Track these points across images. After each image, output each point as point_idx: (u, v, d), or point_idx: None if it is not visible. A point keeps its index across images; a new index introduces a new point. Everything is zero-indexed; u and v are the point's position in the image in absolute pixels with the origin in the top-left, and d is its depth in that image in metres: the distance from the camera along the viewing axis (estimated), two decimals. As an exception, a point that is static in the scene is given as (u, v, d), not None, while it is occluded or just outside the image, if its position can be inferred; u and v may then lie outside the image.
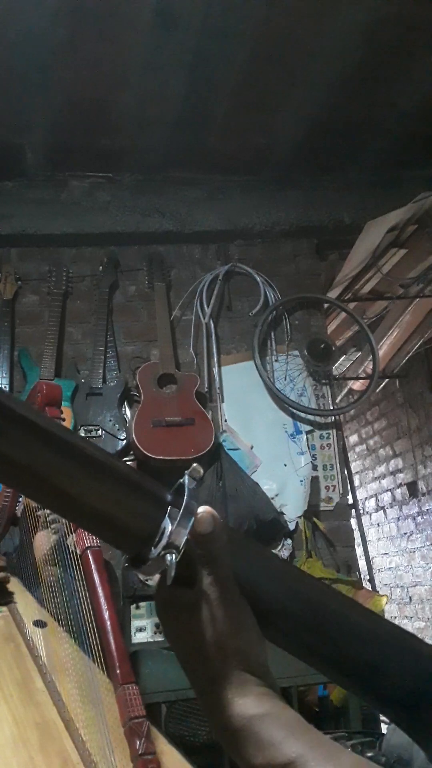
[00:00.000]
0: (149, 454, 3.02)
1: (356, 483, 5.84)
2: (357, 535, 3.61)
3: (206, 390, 3.39)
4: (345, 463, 3.65)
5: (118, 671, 1.10)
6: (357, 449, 6.23)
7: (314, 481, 3.36)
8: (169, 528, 0.48)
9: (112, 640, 1.14)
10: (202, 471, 0.51)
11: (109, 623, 1.16)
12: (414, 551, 5.34)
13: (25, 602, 1.72)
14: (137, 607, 3.02)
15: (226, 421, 3.36)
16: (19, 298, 3.45)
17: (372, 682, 0.51)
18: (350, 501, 3.59)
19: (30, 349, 3.35)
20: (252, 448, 3.34)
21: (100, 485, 0.48)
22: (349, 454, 4.78)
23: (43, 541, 1.59)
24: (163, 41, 2.64)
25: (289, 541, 3.24)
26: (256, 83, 2.93)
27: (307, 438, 3.42)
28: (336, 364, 4.46)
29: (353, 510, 3.63)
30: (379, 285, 3.95)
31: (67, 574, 1.39)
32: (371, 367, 3.87)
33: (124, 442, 3.15)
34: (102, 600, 1.19)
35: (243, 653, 0.49)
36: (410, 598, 5.42)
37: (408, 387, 5.17)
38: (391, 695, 0.51)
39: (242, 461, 3.27)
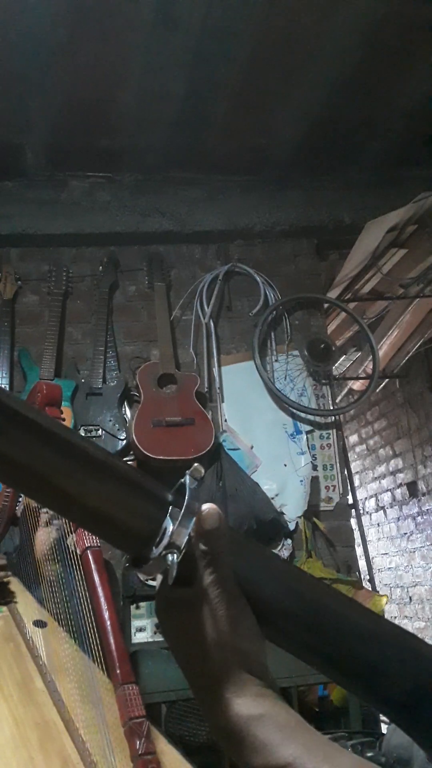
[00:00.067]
0: (149, 454, 3.02)
1: (356, 483, 5.85)
2: (357, 535, 3.61)
3: (206, 390, 3.39)
4: (345, 463, 3.65)
5: (118, 671, 1.10)
6: (357, 449, 6.23)
7: (314, 481, 3.36)
8: (171, 528, 0.48)
9: (112, 640, 1.14)
10: (203, 471, 0.51)
11: (109, 623, 1.16)
12: (414, 551, 5.34)
13: (25, 602, 1.72)
14: (137, 607, 3.02)
15: (226, 421, 3.36)
16: (19, 298, 3.45)
17: (372, 682, 0.51)
18: (350, 501, 3.59)
19: (30, 349, 3.35)
20: (252, 448, 3.34)
21: (100, 485, 0.48)
22: (349, 454, 4.78)
23: (43, 539, 1.59)
24: (163, 41, 2.64)
25: (289, 541, 3.23)
26: (256, 83, 2.93)
27: (307, 438, 3.42)
28: (336, 364, 4.46)
29: (353, 510, 3.63)
30: (379, 285, 3.95)
31: (67, 573, 1.39)
32: (371, 367, 3.87)
33: (124, 442, 3.15)
34: (102, 600, 1.19)
35: (243, 653, 0.49)
36: (410, 598, 5.42)
37: (408, 387, 5.18)
38: (391, 695, 0.51)
39: (242, 461, 3.27)
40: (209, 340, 3.48)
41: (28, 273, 3.49)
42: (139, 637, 2.97)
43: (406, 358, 4.73)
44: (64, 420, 1.46)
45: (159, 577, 0.51)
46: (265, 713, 0.47)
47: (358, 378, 4.86)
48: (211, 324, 3.50)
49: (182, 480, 0.51)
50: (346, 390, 5.31)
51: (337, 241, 3.71)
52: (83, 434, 3.04)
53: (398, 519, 5.56)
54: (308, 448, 3.39)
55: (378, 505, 5.92)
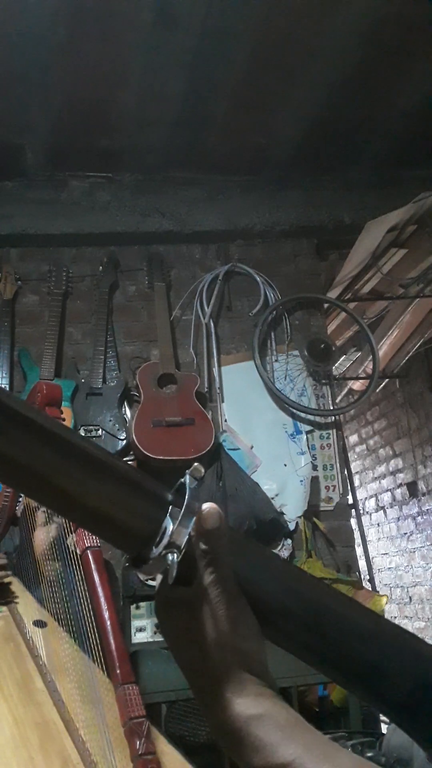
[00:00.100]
0: (149, 454, 3.02)
1: (356, 483, 5.85)
2: (357, 535, 3.61)
3: (206, 390, 3.39)
4: (345, 463, 3.65)
5: (118, 671, 1.10)
6: (357, 449, 6.23)
7: (314, 481, 3.36)
8: (171, 527, 0.48)
9: (112, 640, 1.14)
10: (203, 471, 0.51)
11: (109, 623, 1.16)
12: (414, 551, 5.34)
13: (25, 602, 1.72)
14: (137, 607, 3.02)
15: (226, 421, 3.36)
16: (19, 298, 3.45)
17: (372, 683, 0.51)
18: (350, 501, 3.59)
19: (30, 349, 3.35)
20: (252, 448, 3.34)
21: (100, 485, 0.48)
22: (349, 454, 4.78)
23: (41, 539, 1.59)
24: (163, 41, 2.64)
25: (289, 541, 3.23)
26: (256, 83, 2.93)
27: (307, 438, 3.42)
28: (336, 364, 4.46)
29: (353, 510, 3.63)
30: (379, 285, 3.95)
31: (67, 573, 1.39)
32: (371, 367, 3.87)
33: (124, 442, 3.15)
34: (102, 600, 1.19)
35: (243, 653, 0.49)
36: (410, 598, 5.42)
37: (408, 387, 5.18)
38: (392, 695, 0.51)
39: (242, 461, 3.27)
40: (209, 340, 3.48)
41: (28, 273, 3.49)
42: (139, 637, 2.97)
43: (406, 358, 4.73)
44: (64, 420, 1.46)
45: (159, 577, 0.51)
46: (265, 713, 0.47)
47: (358, 378, 4.86)
48: (211, 324, 3.50)
49: (182, 480, 0.51)
50: (346, 390, 5.31)
51: (337, 241, 3.71)
52: (83, 434, 3.04)
53: (398, 519, 5.56)
54: (308, 448, 3.39)
55: (378, 505, 5.92)
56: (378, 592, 3.62)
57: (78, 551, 1.28)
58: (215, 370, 3.44)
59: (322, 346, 3.53)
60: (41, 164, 3.37)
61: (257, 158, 3.45)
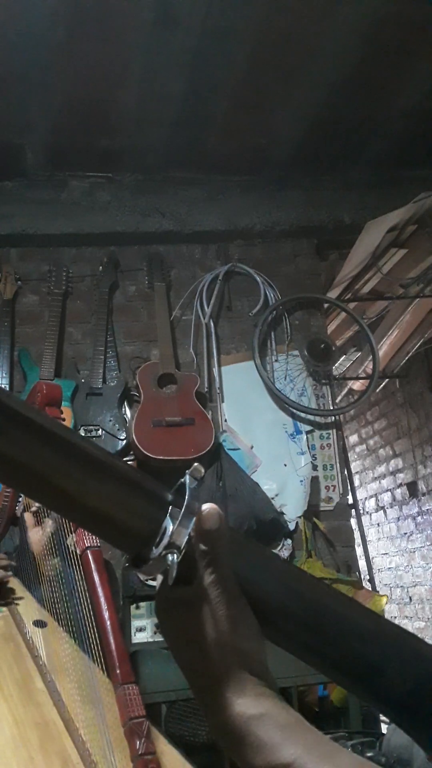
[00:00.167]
0: (149, 454, 3.02)
1: (356, 483, 5.85)
2: (357, 535, 3.61)
3: (206, 390, 3.39)
4: (345, 463, 3.65)
5: (118, 671, 1.10)
6: (357, 449, 6.23)
7: (314, 481, 3.36)
8: (171, 528, 0.48)
9: (112, 640, 1.14)
10: (203, 470, 0.51)
11: (109, 623, 1.16)
12: (414, 551, 5.34)
13: (25, 602, 1.72)
14: (137, 607, 3.02)
15: (226, 421, 3.36)
16: (19, 298, 3.45)
17: (372, 683, 0.51)
18: (350, 501, 3.59)
19: (30, 349, 3.35)
20: (252, 448, 3.34)
21: (100, 485, 0.48)
22: (349, 454, 4.78)
23: (36, 539, 1.59)
24: (163, 41, 2.64)
25: (289, 541, 3.23)
26: (256, 83, 2.93)
27: (307, 438, 3.42)
28: (336, 364, 4.46)
29: (353, 510, 3.63)
30: (379, 285, 3.95)
31: (67, 573, 1.39)
32: (371, 367, 3.87)
33: (124, 442, 3.15)
34: (102, 600, 1.19)
35: (243, 653, 0.49)
36: (410, 598, 5.42)
37: (408, 387, 5.18)
38: (392, 695, 0.51)
39: (242, 461, 3.26)
40: (209, 340, 3.48)
41: (28, 273, 3.49)
42: (139, 637, 2.97)
43: (406, 358, 4.73)
44: (64, 420, 1.46)
45: (159, 577, 0.51)
46: (265, 712, 0.47)
47: (358, 378, 4.86)
48: (211, 324, 3.50)
49: (182, 480, 0.51)
50: (346, 390, 5.31)
51: (337, 241, 3.71)
52: (83, 434, 3.04)
53: (398, 519, 5.56)
54: (308, 448, 3.39)
55: (378, 505, 5.92)
56: (378, 592, 3.62)
57: (78, 551, 1.28)
58: (215, 370, 3.44)
59: (322, 346, 3.53)
60: (41, 164, 3.37)
61: (257, 158, 3.45)
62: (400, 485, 5.47)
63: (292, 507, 3.24)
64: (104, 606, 1.18)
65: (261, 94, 3.01)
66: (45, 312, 3.40)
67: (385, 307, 4.32)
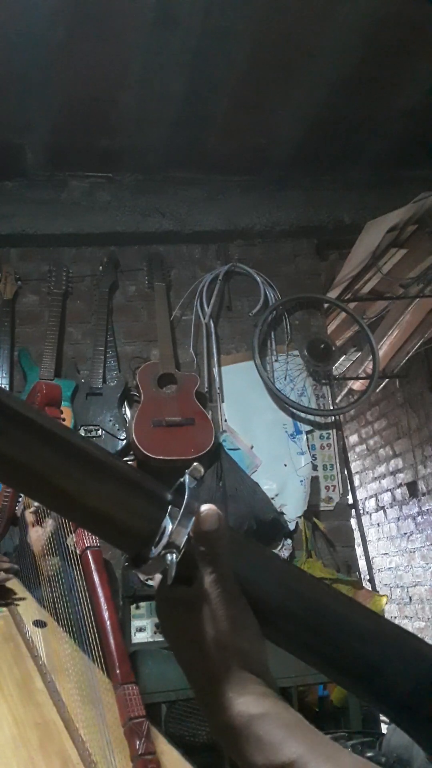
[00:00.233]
0: (149, 454, 3.02)
1: (356, 483, 5.85)
2: (357, 535, 3.61)
3: (206, 390, 3.39)
4: (345, 463, 3.65)
5: (117, 671, 1.10)
6: (357, 449, 6.23)
7: (314, 481, 3.36)
8: (170, 527, 0.48)
9: (111, 640, 1.14)
10: (202, 470, 0.51)
11: (108, 623, 1.16)
12: (414, 551, 5.34)
13: (25, 602, 1.72)
14: (137, 607, 3.01)
15: (226, 421, 3.36)
16: (19, 298, 3.45)
17: (372, 683, 0.51)
18: (350, 501, 3.59)
19: (30, 349, 3.35)
20: (252, 448, 3.34)
21: (100, 485, 0.48)
22: (349, 454, 4.78)
23: (37, 536, 1.59)
24: (163, 41, 2.64)
25: (289, 541, 3.23)
26: (256, 83, 2.93)
27: (307, 438, 3.42)
28: (336, 364, 4.46)
29: (353, 510, 3.63)
30: (379, 285, 3.95)
31: (67, 573, 1.39)
32: (371, 367, 3.87)
33: (124, 442, 3.15)
34: (102, 600, 1.19)
35: (243, 652, 0.49)
36: (410, 598, 5.42)
37: (408, 387, 5.18)
38: (392, 695, 0.51)
39: (242, 461, 3.26)
40: (209, 340, 3.48)
41: (28, 273, 3.49)
42: (139, 637, 2.97)
43: (406, 358, 4.73)
44: (64, 420, 1.46)
45: (158, 577, 0.51)
46: (266, 712, 0.47)
47: (358, 378, 4.86)
48: (211, 324, 3.50)
49: (182, 479, 0.51)
50: (346, 390, 5.31)
51: (337, 241, 3.71)
52: (83, 434, 3.04)
53: (398, 519, 5.56)
54: (308, 448, 3.39)
55: (378, 505, 5.92)
56: (378, 592, 3.62)
57: (78, 551, 1.28)
58: (215, 370, 3.44)
59: (322, 346, 3.53)
60: (41, 164, 3.37)
61: (257, 158, 3.45)
62: (400, 485, 5.47)
63: (292, 507, 3.24)
64: (104, 606, 1.17)
65: (261, 94, 3.01)
66: (45, 312, 3.40)
67: (385, 307, 4.32)
